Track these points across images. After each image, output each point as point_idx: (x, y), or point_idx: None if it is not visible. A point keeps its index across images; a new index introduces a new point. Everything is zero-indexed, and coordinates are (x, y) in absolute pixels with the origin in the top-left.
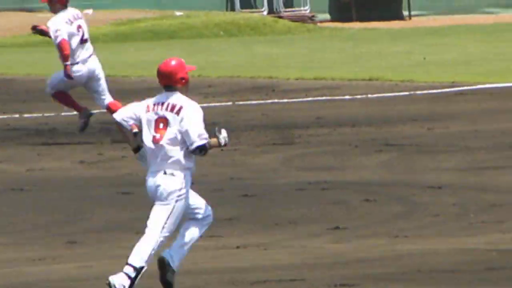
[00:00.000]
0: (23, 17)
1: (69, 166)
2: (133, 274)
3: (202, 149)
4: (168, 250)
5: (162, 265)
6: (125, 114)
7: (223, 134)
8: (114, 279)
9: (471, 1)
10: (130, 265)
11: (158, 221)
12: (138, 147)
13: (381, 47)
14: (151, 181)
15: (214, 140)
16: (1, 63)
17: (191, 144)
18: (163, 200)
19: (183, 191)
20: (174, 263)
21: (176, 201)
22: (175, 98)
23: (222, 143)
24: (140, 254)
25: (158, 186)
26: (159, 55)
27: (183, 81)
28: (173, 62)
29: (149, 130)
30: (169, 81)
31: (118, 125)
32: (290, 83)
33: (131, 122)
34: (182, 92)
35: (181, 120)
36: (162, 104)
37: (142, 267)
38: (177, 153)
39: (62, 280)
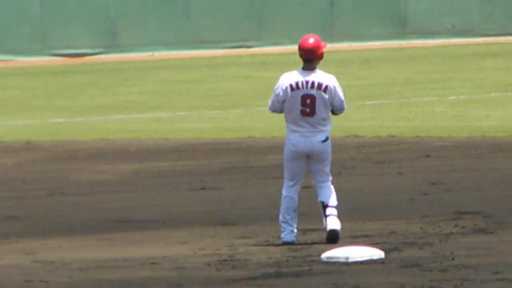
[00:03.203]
0: None
1: None
2: (336, 212)
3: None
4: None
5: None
6: (275, 108)
7: None
8: (334, 225)
9: None
10: (332, 206)
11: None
12: None
13: None
14: (305, 145)
15: None
16: None
17: (339, 111)
18: (325, 158)
19: None
20: None
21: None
22: (317, 76)
23: None
24: (333, 196)
25: (314, 151)
26: None
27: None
28: (313, 40)
29: (296, 104)
30: (312, 56)
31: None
32: None
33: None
34: (317, 65)
35: (327, 95)
36: (307, 82)
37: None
38: (324, 121)
39: None
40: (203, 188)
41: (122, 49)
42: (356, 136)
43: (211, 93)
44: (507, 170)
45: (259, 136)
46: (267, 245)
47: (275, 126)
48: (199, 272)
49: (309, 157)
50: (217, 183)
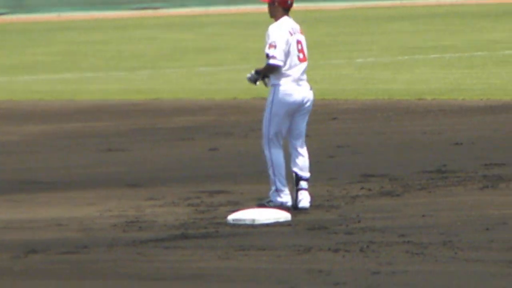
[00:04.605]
0: None
1: None
2: (307, 186)
3: None
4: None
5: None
6: (282, 58)
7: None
8: (306, 203)
9: None
10: (306, 179)
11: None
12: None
13: None
14: (300, 94)
15: None
16: None
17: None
18: (309, 111)
19: None
20: None
21: None
22: (294, 22)
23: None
24: (306, 167)
25: (307, 99)
26: None
27: None
28: None
29: (294, 49)
30: (292, 3)
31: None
32: None
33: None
34: None
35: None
36: (294, 28)
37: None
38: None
39: None
40: (110, 150)
41: (28, 10)
42: (263, 98)
43: (118, 54)
44: (413, 133)
45: (166, 98)
46: (174, 206)
47: (182, 88)
48: (106, 233)
49: (296, 112)
50: (124, 145)
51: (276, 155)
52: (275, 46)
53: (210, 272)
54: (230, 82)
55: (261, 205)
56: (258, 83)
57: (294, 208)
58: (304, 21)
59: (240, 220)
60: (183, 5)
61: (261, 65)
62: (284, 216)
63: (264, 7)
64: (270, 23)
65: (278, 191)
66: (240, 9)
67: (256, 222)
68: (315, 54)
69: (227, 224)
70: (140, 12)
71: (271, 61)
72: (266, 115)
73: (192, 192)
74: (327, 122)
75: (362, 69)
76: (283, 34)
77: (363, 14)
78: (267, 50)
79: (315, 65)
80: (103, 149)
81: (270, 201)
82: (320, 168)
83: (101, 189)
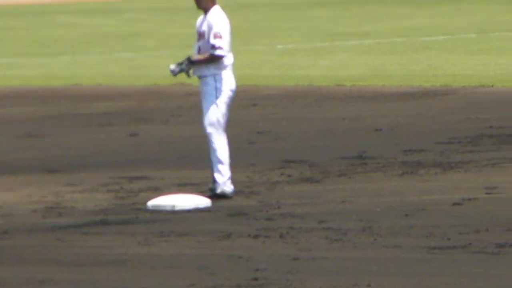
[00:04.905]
0: None
1: None
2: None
3: None
4: None
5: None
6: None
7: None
8: (226, 190)
9: None
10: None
11: None
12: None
13: None
14: (235, 81)
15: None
16: None
17: None
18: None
19: None
20: None
21: None
22: None
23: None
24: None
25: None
26: None
27: None
28: None
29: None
30: None
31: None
32: None
33: None
34: None
35: None
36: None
37: None
38: None
39: None
40: (29, 136)
41: None
42: (183, 84)
43: (38, 40)
44: (333, 119)
45: (85, 83)
46: (94, 192)
47: (101, 74)
48: (25, 219)
49: (232, 99)
50: (44, 131)
51: (225, 143)
52: (221, 37)
53: (130, 258)
54: (150, 68)
55: (218, 196)
56: (178, 73)
57: (213, 194)
58: (224, 8)
59: (160, 206)
60: None
61: (182, 52)
62: (204, 202)
63: None
64: (191, 10)
65: (228, 179)
66: None
67: (176, 208)
68: (236, 40)
69: (147, 210)
70: None
71: (219, 52)
72: (212, 105)
73: (112, 178)
74: (247, 108)
75: (283, 55)
76: (226, 24)
77: (283, 0)
78: (213, 41)
79: (235, 51)
80: (23, 135)
81: (223, 190)
82: (240, 154)
83: (21, 175)
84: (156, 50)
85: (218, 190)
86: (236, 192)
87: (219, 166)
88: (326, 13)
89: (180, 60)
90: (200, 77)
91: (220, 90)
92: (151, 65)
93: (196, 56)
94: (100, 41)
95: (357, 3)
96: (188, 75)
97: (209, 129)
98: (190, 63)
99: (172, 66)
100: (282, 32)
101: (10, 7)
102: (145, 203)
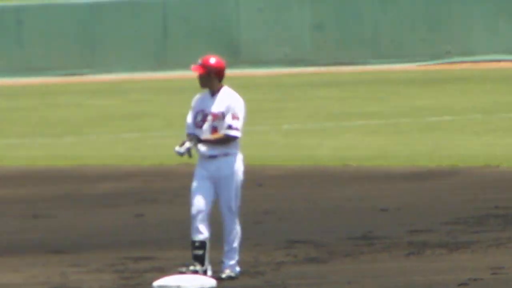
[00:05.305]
0: None
1: None
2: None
3: None
4: None
5: None
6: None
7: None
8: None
9: None
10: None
11: None
12: None
13: None
14: None
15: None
16: None
17: None
18: None
19: None
20: None
21: None
22: None
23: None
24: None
25: None
26: None
27: None
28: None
29: None
30: None
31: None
32: None
33: None
34: None
35: None
36: None
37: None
38: None
39: None
40: (35, 216)
41: None
42: (189, 164)
43: (43, 121)
44: (338, 199)
45: (91, 164)
46: (99, 273)
47: (107, 154)
48: None
49: None
50: (49, 211)
51: (239, 229)
52: (238, 118)
53: None
54: (155, 148)
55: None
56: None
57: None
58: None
59: (165, 286)
60: (108, 71)
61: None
62: (209, 282)
63: (190, 74)
64: (196, 89)
65: (237, 261)
66: (165, 75)
67: None
68: None
69: None
70: (65, 78)
71: (234, 133)
72: (233, 186)
73: (117, 259)
74: (253, 189)
75: (288, 136)
76: (243, 106)
77: (288, 80)
78: (230, 121)
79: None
80: (28, 216)
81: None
82: (246, 234)
83: (26, 256)
84: (161, 130)
85: (226, 274)
86: (241, 272)
87: (234, 250)
88: (332, 93)
89: (184, 140)
90: (215, 157)
91: (241, 172)
92: (156, 145)
93: (206, 136)
94: (105, 122)
95: (363, 84)
96: (190, 155)
97: (232, 215)
98: (198, 142)
99: (177, 148)
100: (288, 113)
101: (16, 88)
102: (151, 283)
